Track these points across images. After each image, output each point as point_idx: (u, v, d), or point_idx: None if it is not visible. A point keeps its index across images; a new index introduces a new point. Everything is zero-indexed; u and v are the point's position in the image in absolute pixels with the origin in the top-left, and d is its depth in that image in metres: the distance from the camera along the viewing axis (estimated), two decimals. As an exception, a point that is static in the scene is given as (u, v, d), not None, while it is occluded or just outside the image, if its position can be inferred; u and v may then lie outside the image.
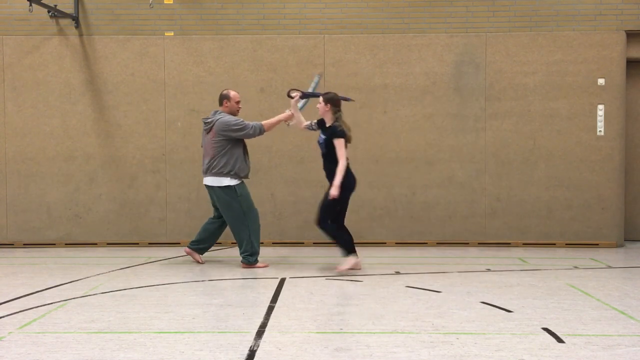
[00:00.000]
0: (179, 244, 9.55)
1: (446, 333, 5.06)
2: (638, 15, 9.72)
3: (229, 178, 7.78)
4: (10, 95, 9.83)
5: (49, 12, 9.69)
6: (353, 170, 7.23)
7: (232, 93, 8.10)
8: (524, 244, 9.74)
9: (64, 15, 9.73)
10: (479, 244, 9.77)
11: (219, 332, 5.11)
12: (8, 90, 9.83)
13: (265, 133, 7.97)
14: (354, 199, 9.73)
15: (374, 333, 5.07)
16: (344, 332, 5.10)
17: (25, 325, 5.33)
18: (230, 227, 7.97)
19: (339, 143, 7.32)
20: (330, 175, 7.43)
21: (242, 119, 7.92)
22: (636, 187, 10.26)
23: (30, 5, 9.09)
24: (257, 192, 9.60)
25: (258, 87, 9.80)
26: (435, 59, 9.74)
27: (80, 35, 9.88)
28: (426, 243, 9.80)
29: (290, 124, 8.03)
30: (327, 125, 7.52)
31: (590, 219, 9.71)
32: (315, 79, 8.18)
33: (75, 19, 9.79)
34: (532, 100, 9.69)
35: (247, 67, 9.82)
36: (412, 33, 9.79)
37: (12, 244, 9.85)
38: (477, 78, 9.71)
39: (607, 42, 9.65)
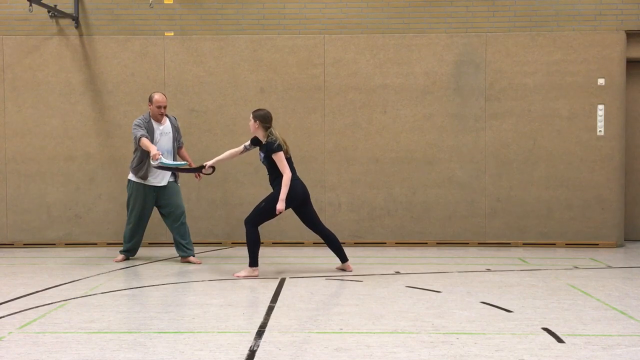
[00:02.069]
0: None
1: (446, 333, 5.06)
2: (638, 15, 9.72)
3: (130, 173, 8.31)
4: (10, 95, 9.83)
5: (49, 12, 9.69)
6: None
7: (156, 97, 8.20)
8: (524, 244, 9.74)
9: (64, 15, 9.73)
10: (479, 244, 9.77)
11: (219, 332, 5.11)
12: (8, 90, 9.83)
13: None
14: (354, 198, 9.80)
15: (374, 333, 5.07)
16: (344, 332, 5.10)
17: (25, 325, 5.33)
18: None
19: (278, 157, 7.22)
20: (277, 188, 7.32)
21: (139, 126, 8.03)
22: (636, 187, 10.26)
23: (30, 5, 9.08)
24: (258, 192, 9.61)
25: (258, 87, 9.80)
26: (435, 59, 9.74)
27: (80, 35, 9.88)
28: (426, 243, 9.80)
29: (154, 163, 7.87)
30: (263, 142, 7.39)
31: (590, 219, 9.70)
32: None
33: (75, 19, 9.79)
34: (532, 100, 9.69)
35: (247, 67, 9.82)
36: (412, 33, 9.79)
37: (12, 244, 9.85)
38: (477, 78, 9.71)
39: (607, 42, 9.65)
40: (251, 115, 7.45)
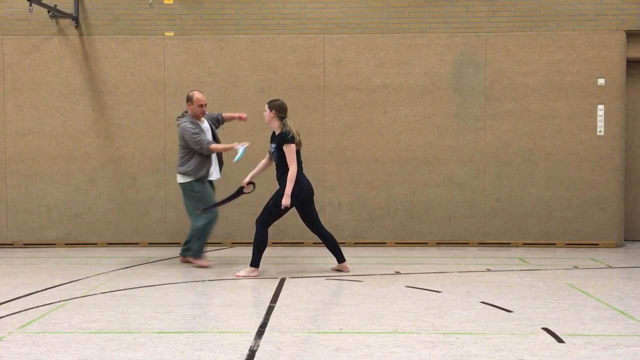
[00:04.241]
0: (179, 244, 9.52)
1: (446, 333, 5.06)
2: (638, 15, 9.72)
3: (187, 176, 8.04)
4: (10, 95, 9.83)
5: (49, 12, 9.69)
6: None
7: (196, 96, 8.08)
8: (524, 244, 9.74)
9: (64, 15, 9.73)
10: (479, 244, 9.77)
11: (219, 332, 5.11)
12: (8, 90, 9.83)
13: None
14: (354, 198, 9.80)
15: (374, 333, 5.07)
16: (344, 332, 5.10)
17: (25, 325, 5.33)
18: (187, 214, 8.27)
19: (288, 149, 7.21)
20: (283, 184, 7.29)
21: (198, 132, 7.93)
22: (636, 187, 10.26)
23: (30, 5, 9.09)
24: (257, 192, 9.57)
25: (258, 87, 9.80)
26: (435, 59, 9.74)
27: (80, 35, 9.88)
28: (426, 243, 9.80)
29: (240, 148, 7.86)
30: (277, 133, 7.38)
31: (590, 219, 9.70)
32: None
33: (75, 19, 9.79)
34: (532, 100, 9.69)
35: (247, 67, 9.82)
36: (412, 33, 9.79)
37: (12, 244, 9.85)
38: (477, 78, 9.71)
39: (607, 42, 9.65)
40: (266, 105, 7.45)
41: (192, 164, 8.00)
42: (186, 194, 8.12)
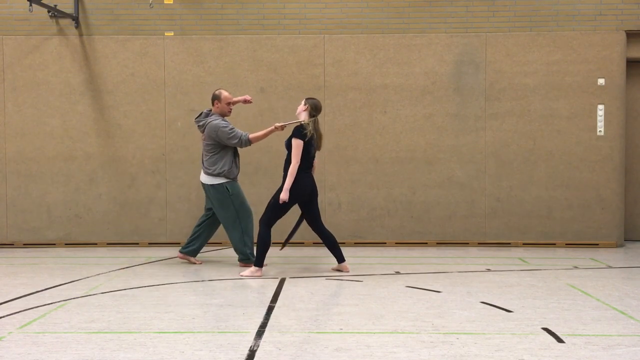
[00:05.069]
0: (179, 244, 9.54)
1: (446, 333, 5.06)
2: (638, 15, 9.72)
3: (219, 177, 7.84)
4: (10, 95, 9.83)
5: (49, 12, 9.69)
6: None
7: (224, 94, 7.99)
8: (524, 244, 9.74)
9: (64, 15, 9.73)
10: (479, 244, 9.77)
11: (219, 332, 5.11)
12: (8, 90, 9.83)
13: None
14: (354, 198, 9.80)
15: (374, 333, 5.07)
16: (344, 332, 5.10)
17: (25, 325, 5.33)
18: (224, 226, 8.03)
19: (295, 143, 7.22)
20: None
21: (232, 127, 7.83)
22: (636, 187, 10.26)
23: (30, 5, 9.08)
24: (257, 192, 9.61)
25: (258, 87, 9.80)
26: (435, 59, 9.74)
27: (80, 35, 9.88)
28: (426, 243, 9.80)
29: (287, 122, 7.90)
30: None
31: (590, 219, 9.70)
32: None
33: (75, 19, 9.79)
34: (532, 100, 9.69)
35: (247, 67, 9.82)
36: (412, 33, 9.79)
37: (12, 244, 9.84)
38: (477, 78, 9.71)
39: (607, 42, 9.65)
40: (304, 100, 7.52)
41: (225, 163, 7.83)
42: (219, 201, 7.85)
